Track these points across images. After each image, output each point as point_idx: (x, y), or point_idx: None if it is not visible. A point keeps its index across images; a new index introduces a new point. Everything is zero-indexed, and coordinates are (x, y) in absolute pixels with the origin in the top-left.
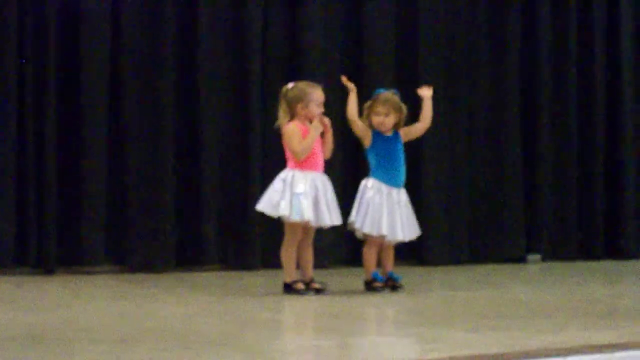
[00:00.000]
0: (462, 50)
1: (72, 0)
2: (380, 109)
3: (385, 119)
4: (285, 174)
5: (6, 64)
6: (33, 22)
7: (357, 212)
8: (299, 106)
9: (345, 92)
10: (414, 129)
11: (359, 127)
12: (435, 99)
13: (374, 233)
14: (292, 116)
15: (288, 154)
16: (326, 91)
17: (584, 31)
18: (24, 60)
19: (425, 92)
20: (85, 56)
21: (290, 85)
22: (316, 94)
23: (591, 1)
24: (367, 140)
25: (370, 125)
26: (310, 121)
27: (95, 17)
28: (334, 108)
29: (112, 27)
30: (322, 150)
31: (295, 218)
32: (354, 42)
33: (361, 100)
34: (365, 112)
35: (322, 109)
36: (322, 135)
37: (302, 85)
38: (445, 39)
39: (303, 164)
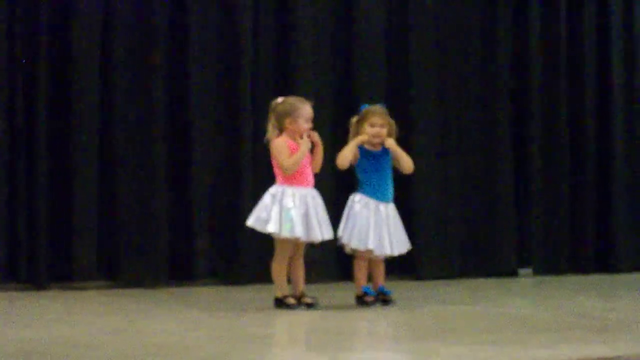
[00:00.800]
0: (453, 62)
1: (62, 10)
2: (377, 119)
3: (381, 130)
4: (274, 190)
5: None
6: (23, 31)
7: (345, 227)
8: (287, 121)
9: (336, 107)
10: (398, 161)
11: (348, 164)
12: (426, 114)
13: (362, 247)
14: (281, 131)
15: (276, 170)
16: (316, 105)
17: (575, 38)
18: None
19: (388, 144)
20: (76, 72)
21: (279, 99)
22: (305, 110)
23: (582, 3)
24: (355, 160)
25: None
26: (300, 136)
27: (86, 28)
28: (324, 122)
29: (102, 39)
30: (311, 166)
31: (285, 234)
32: (344, 53)
33: (348, 114)
34: (352, 128)
35: (310, 125)
36: (312, 150)
37: (292, 100)
38: (435, 49)
39: (292, 179)
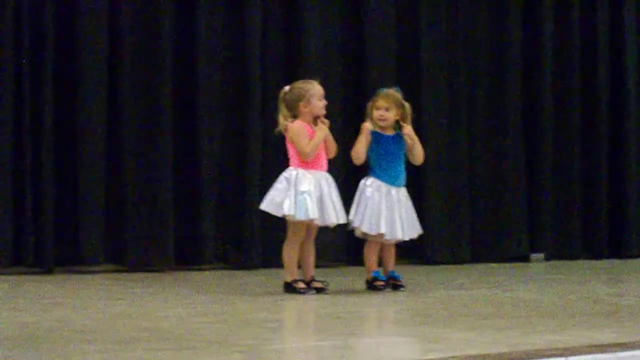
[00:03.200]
0: (463, 46)
1: (70, 6)
2: (381, 102)
3: (385, 113)
4: (289, 173)
5: (3, 64)
6: (30, 29)
7: (356, 211)
8: (301, 104)
9: (345, 91)
10: (411, 149)
11: (363, 160)
12: (436, 97)
13: (373, 232)
14: (295, 117)
15: (292, 153)
16: (326, 93)
17: (587, 35)
18: (24, 60)
19: (406, 130)
20: (83, 59)
21: (287, 88)
22: (315, 89)
23: (594, 4)
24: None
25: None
26: (316, 118)
27: (93, 23)
28: (335, 108)
29: (109, 33)
30: (325, 149)
31: (300, 217)
32: (354, 44)
33: (357, 98)
34: (368, 112)
35: (324, 102)
36: None
37: (299, 84)
38: (446, 39)
39: (307, 162)
